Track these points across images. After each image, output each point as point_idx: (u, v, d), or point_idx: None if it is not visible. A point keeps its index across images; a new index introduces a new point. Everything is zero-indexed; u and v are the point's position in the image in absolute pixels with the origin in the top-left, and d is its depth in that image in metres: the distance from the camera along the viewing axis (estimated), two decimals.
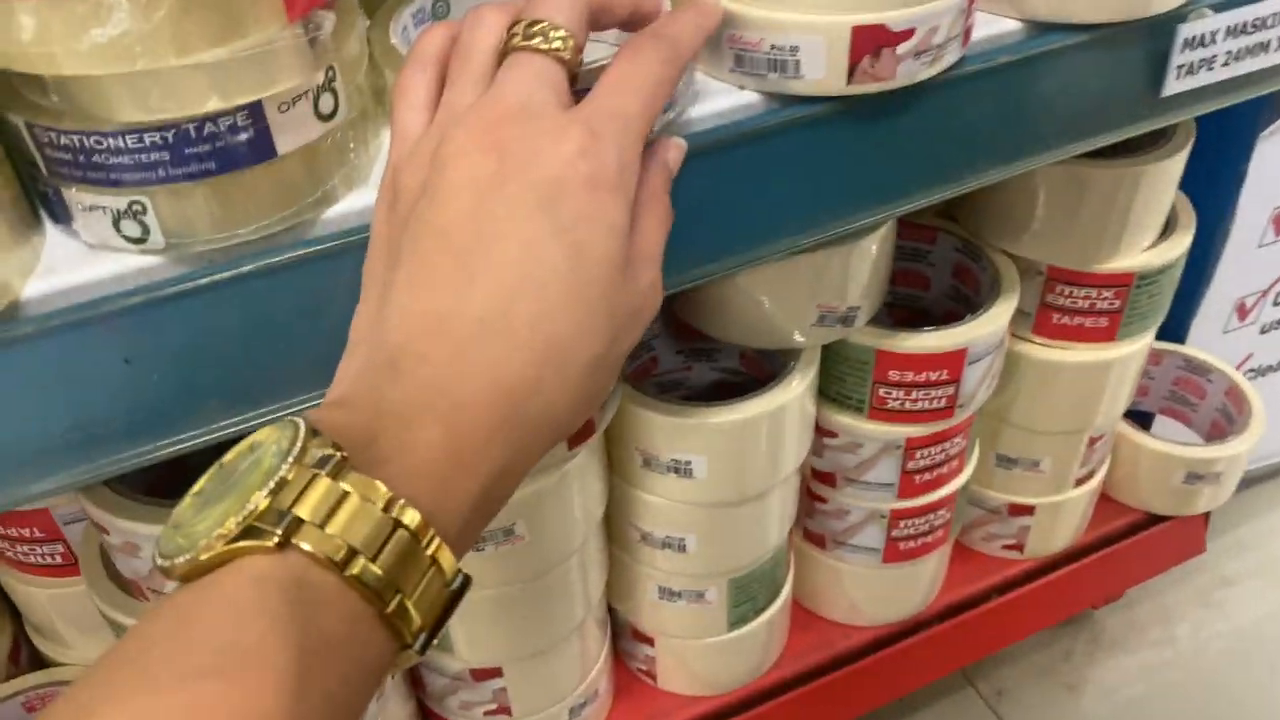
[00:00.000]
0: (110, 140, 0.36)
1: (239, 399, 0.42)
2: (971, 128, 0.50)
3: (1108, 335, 0.73)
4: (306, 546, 0.27)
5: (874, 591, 0.80)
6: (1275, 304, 1.01)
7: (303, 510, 0.28)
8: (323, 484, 0.28)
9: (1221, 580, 1.12)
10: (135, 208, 0.38)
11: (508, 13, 0.37)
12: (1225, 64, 0.55)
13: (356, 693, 0.29)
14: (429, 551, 0.30)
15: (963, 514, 0.80)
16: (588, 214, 0.34)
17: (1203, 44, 0.53)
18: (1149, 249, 0.71)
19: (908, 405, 0.67)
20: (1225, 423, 0.92)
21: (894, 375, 0.66)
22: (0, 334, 0.37)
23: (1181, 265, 0.73)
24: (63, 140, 0.37)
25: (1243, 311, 0.99)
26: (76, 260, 0.39)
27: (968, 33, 0.48)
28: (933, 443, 0.70)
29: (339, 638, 0.28)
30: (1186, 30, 0.52)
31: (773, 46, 0.44)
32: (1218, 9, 0.53)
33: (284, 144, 0.38)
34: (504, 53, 0.36)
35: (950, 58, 0.46)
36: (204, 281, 0.39)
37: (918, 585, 0.81)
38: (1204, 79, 0.55)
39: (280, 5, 0.36)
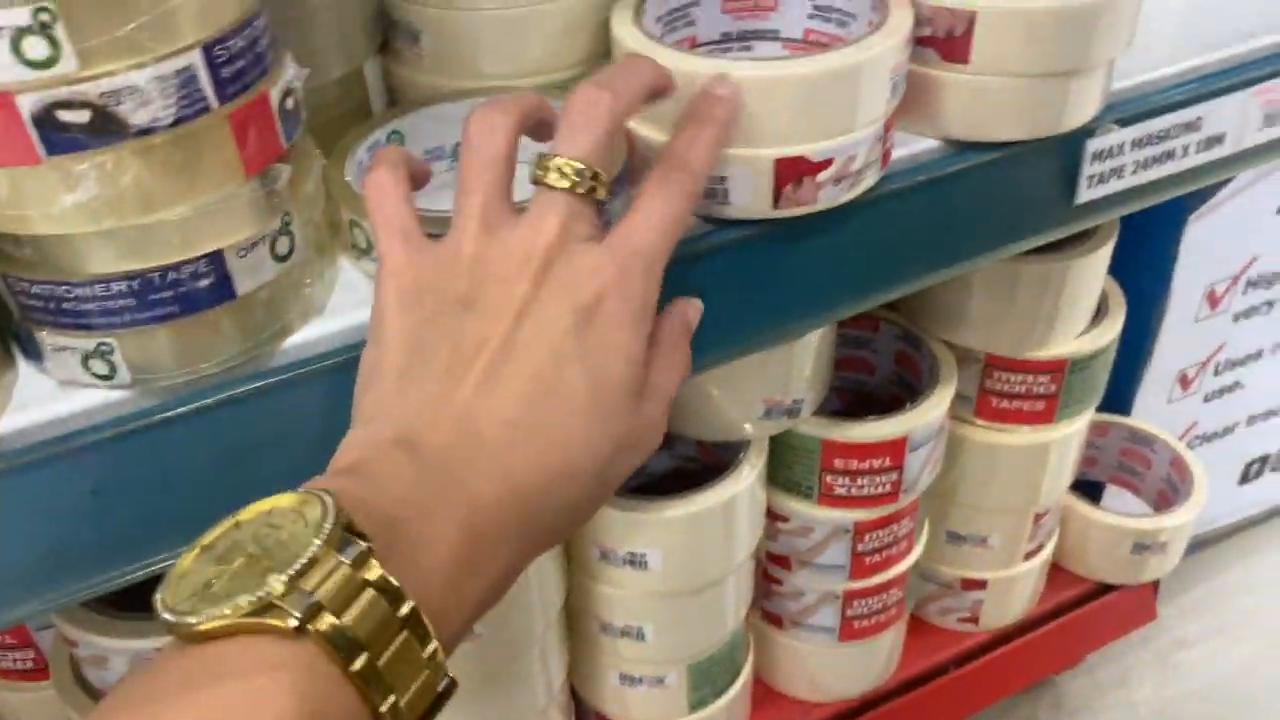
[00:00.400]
0: (79, 290, 0.39)
1: (205, 524, 0.44)
2: (895, 241, 0.53)
3: (1046, 417, 0.76)
4: (323, 638, 0.28)
5: (832, 669, 0.82)
6: (1215, 374, 1.04)
7: (323, 596, 0.28)
8: (344, 572, 0.29)
9: (1178, 643, 1.14)
10: (103, 348, 0.40)
11: (513, 116, 0.39)
12: (1134, 172, 0.58)
13: None
14: (428, 654, 0.30)
15: (915, 590, 0.82)
16: (612, 344, 0.37)
17: (1111, 155, 0.57)
18: (1081, 335, 0.74)
19: (854, 491, 0.70)
20: (1171, 492, 0.95)
21: (839, 463, 0.68)
22: None
23: (1113, 349, 0.76)
24: (35, 289, 0.39)
25: (1185, 382, 1.03)
26: (47, 396, 0.41)
27: (886, 155, 0.51)
28: (881, 526, 0.72)
29: None
30: (1094, 144, 0.56)
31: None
32: (1124, 123, 0.56)
33: (243, 286, 0.41)
34: (534, 180, 0.39)
35: (869, 180, 0.50)
36: (168, 415, 0.41)
37: (875, 661, 0.83)
38: (1115, 186, 0.58)
39: (238, 164, 0.38)
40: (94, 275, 0.39)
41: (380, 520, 0.31)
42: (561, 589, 0.66)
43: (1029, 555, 0.85)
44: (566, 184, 0.38)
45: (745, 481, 0.65)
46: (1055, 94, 0.53)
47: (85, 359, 0.41)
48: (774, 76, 0.44)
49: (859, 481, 0.69)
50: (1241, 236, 0.94)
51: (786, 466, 0.70)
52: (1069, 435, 0.77)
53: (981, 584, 0.86)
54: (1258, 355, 1.06)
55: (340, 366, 0.43)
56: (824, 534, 0.73)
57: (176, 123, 0.36)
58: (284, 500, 0.31)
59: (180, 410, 0.41)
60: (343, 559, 0.29)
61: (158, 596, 0.29)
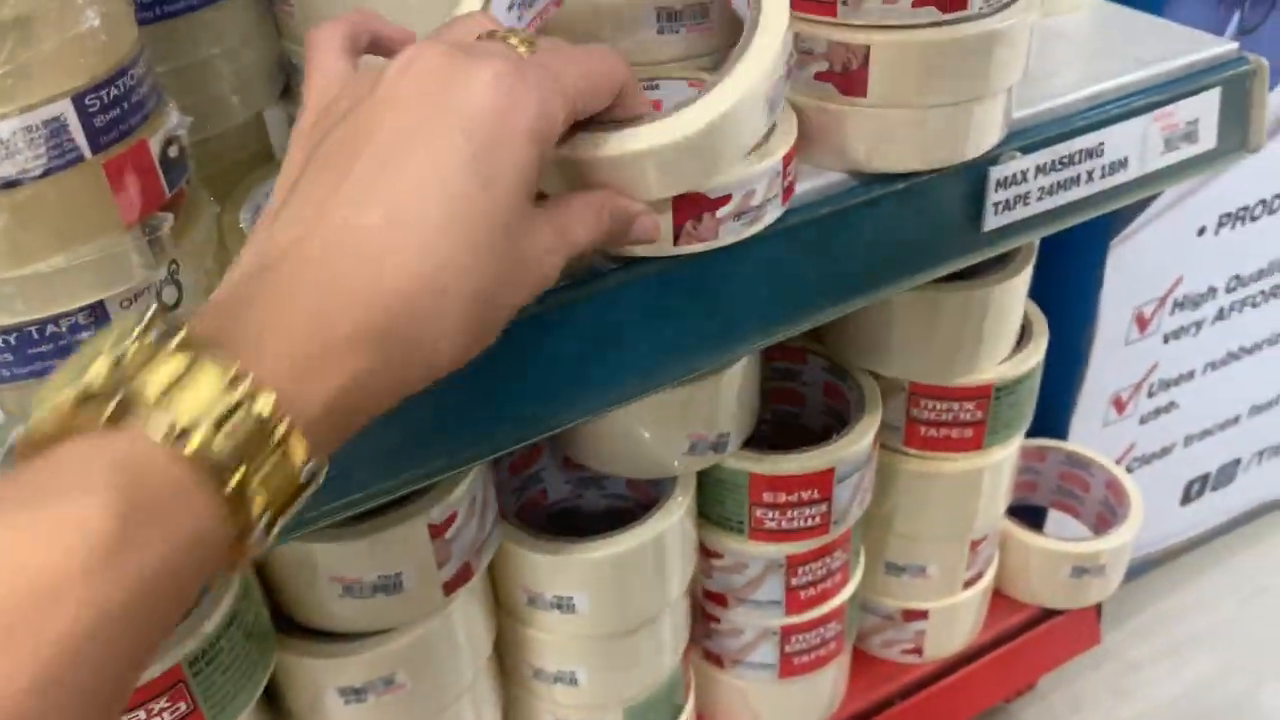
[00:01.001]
0: None
1: None
2: (803, 273, 0.53)
3: (975, 444, 0.76)
4: (140, 420, 0.27)
5: (776, 706, 0.81)
6: (1149, 395, 1.06)
7: (143, 384, 0.27)
8: (170, 359, 0.27)
9: (1129, 666, 1.14)
10: None
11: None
12: (1040, 198, 0.59)
13: (181, 572, 0.27)
14: (279, 434, 0.28)
15: (855, 623, 0.82)
16: (507, 159, 0.34)
17: (1015, 183, 0.58)
18: (1005, 361, 0.75)
19: (785, 525, 0.69)
20: (1109, 515, 0.95)
21: (768, 497, 0.68)
22: None
23: (1038, 374, 0.77)
24: None
25: (1119, 405, 1.04)
26: None
27: (789, 189, 0.51)
28: (814, 559, 0.72)
29: (166, 512, 0.27)
30: (997, 172, 0.57)
31: None
32: (1026, 150, 0.57)
33: None
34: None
35: (771, 215, 0.50)
36: None
37: (819, 696, 0.82)
38: (1022, 212, 0.59)
39: (117, 214, 0.38)
40: None
41: (221, 321, 0.30)
42: (490, 634, 0.65)
43: (969, 583, 0.85)
44: (501, 36, 0.37)
45: (672, 518, 0.64)
46: (955, 123, 0.53)
47: None
48: (639, 150, 0.41)
49: (789, 514, 0.69)
50: (1165, 258, 0.95)
51: (717, 502, 0.70)
52: (1000, 461, 0.78)
53: (923, 614, 0.85)
54: (1190, 375, 1.07)
55: None
56: (758, 569, 0.72)
57: (47, 173, 0.36)
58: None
59: None
60: (166, 344, 0.28)
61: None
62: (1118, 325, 0.97)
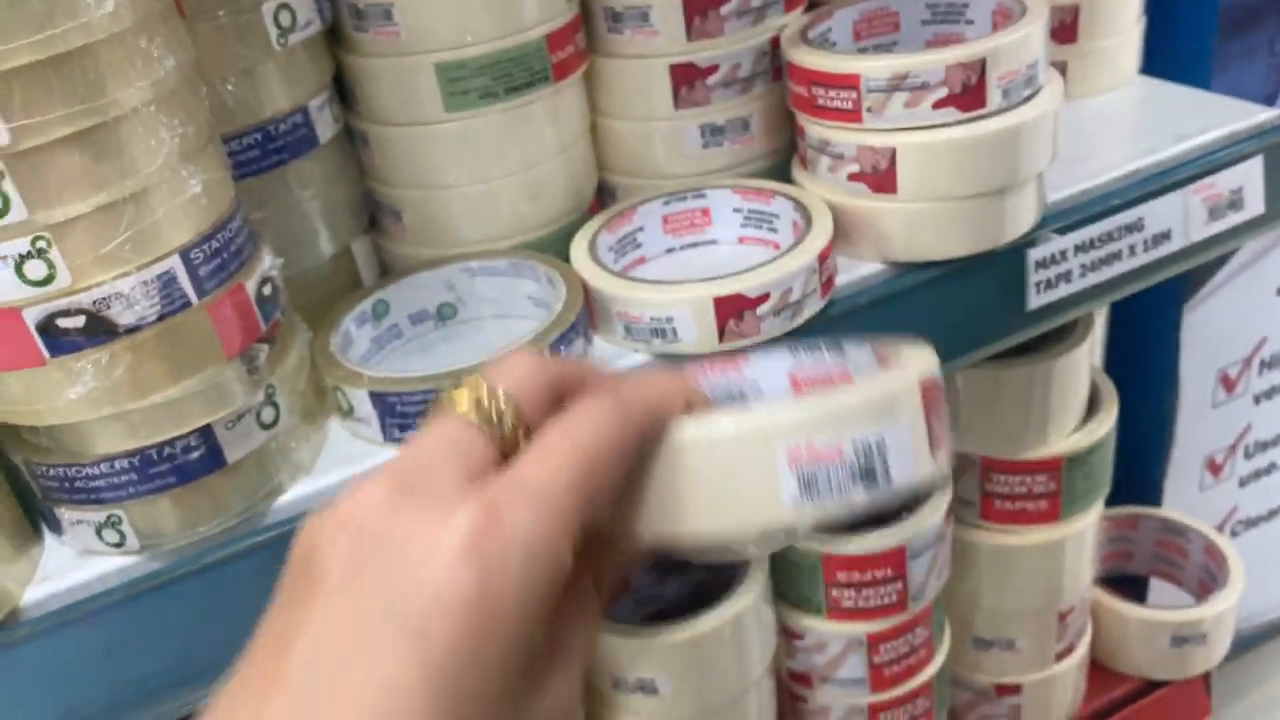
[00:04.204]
0: (88, 469, 0.44)
1: (209, 674, 0.48)
2: None
3: (1051, 516, 0.77)
4: None
5: None
6: (1247, 458, 1.04)
7: None
8: None
9: None
10: (113, 519, 0.45)
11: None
12: (1082, 275, 0.61)
13: None
14: None
15: (944, 699, 0.82)
16: (475, 641, 0.25)
17: (1055, 262, 0.60)
18: (1075, 432, 0.76)
19: (861, 603, 0.71)
20: (1210, 581, 0.93)
21: (842, 576, 0.70)
22: (3, 637, 0.44)
23: (1110, 443, 0.77)
24: (51, 471, 0.45)
25: (1215, 468, 1.02)
26: (68, 566, 0.46)
27: (829, 283, 0.55)
28: (895, 636, 0.73)
29: None
30: (1036, 254, 0.59)
31: (652, 318, 0.52)
32: (1063, 231, 0.60)
33: (232, 454, 0.46)
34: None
35: (811, 309, 0.53)
36: (174, 575, 0.46)
37: None
38: (1065, 290, 0.61)
39: (219, 348, 0.44)
40: (99, 455, 0.44)
41: None
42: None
43: (1061, 656, 0.85)
44: (468, 409, 0.28)
45: (745, 600, 0.67)
46: (987, 211, 0.56)
47: (99, 530, 0.45)
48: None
49: (864, 593, 0.71)
50: (1246, 319, 0.95)
51: (793, 583, 0.72)
52: (1080, 531, 0.78)
53: (1016, 689, 0.85)
54: None
55: None
56: (839, 648, 0.74)
57: (161, 318, 0.41)
58: None
59: (185, 570, 0.46)
60: None
61: None
62: (1202, 388, 0.96)
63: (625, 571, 0.32)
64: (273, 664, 0.25)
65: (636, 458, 0.29)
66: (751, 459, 0.30)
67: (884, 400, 0.31)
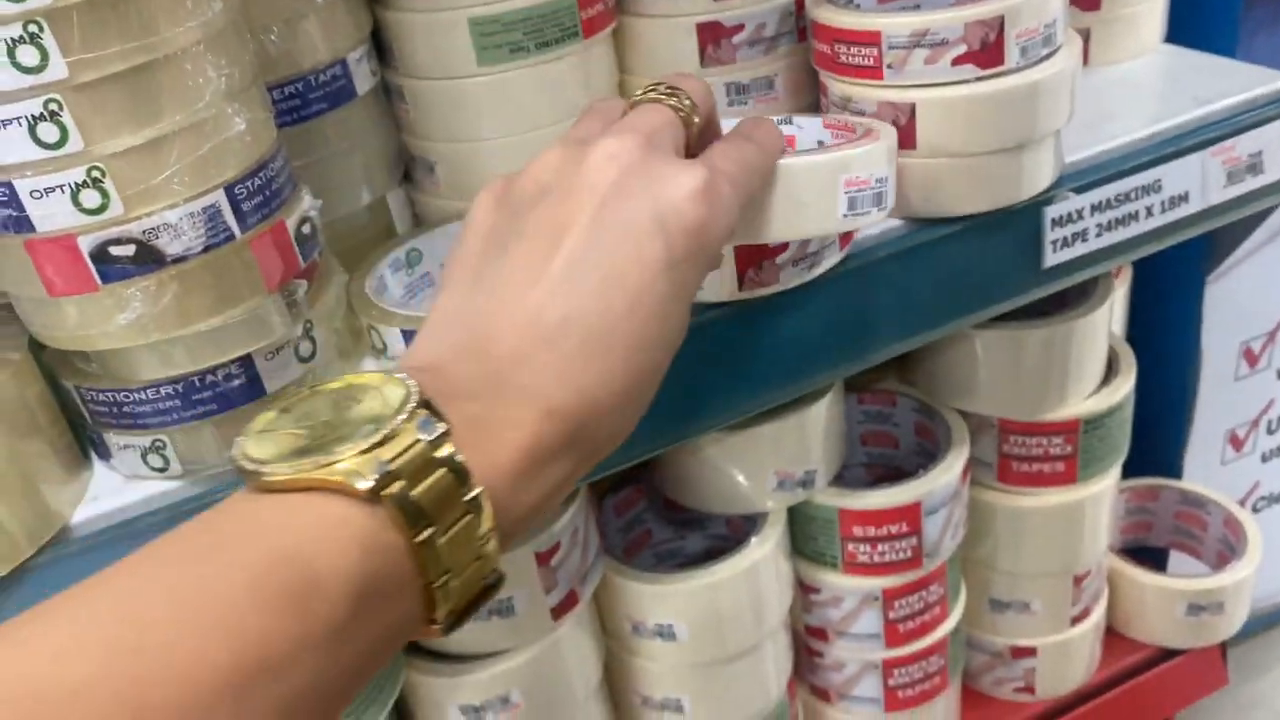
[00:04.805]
0: (135, 394, 0.46)
1: None
2: (864, 312, 0.58)
3: (1068, 478, 0.78)
4: (394, 505, 0.29)
5: None
6: (1270, 433, 1.04)
7: (398, 467, 0.29)
8: (420, 448, 0.29)
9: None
10: (157, 444, 0.48)
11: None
12: (1099, 235, 0.62)
13: (382, 655, 0.30)
14: (485, 545, 0.31)
15: (960, 659, 0.83)
16: (692, 256, 0.36)
17: (1072, 221, 0.61)
18: (1092, 395, 0.77)
19: (877, 558, 0.73)
20: (1228, 553, 0.94)
21: (858, 531, 0.72)
22: (54, 553, 0.46)
23: (1128, 407, 0.78)
24: (100, 397, 0.47)
25: (1236, 442, 1.02)
26: (116, 489, 0.49)
27: (847, 236, 0.56)
28: (910, 591, 0.75)
29: (386, 600, 0.29)
30: (1053, 212, 0.60)
31: None
32: (1080, 190, 0.61)
33: (271, 384, 0.48)
34: (634, 103, 0.41)
35: (829, 261, 0.55)
36: (215, 499, 0.48)
37: None
38: (1081, 249, 0.62)
39: (260, 281, 0.46)
40: (145, 382, 0.46)
41: (454, 411, 0.31)
42: (598, 660, 0.70)
43: (1076, 620, 0.86)
44: (654, 95, 0.40)
45: (762, 550, 0.68)
46: (1004, 169, 0.57)
47: (144, 454, 0.48)
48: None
49: (879, 548, 0.72)
50: (1270, 293, 0.95)
51: (811, 537, 0.74)
52: (1096, 494, 0.79)
53: (1031, 651, 0.86)
54: None
55: None
56: (854, 603, 0.75)
57: (206, 250, 0.44)
58: (364, 378, 0.32)
59: (224, 495, 0.48)
60: (421, 436, 0.30)
61: (236, 446, 0.31)
62: (1225, 361, 0.96)
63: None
64: (546, 248, 0.35)
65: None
66: (824, 183, 0.45)
67: (890, 150, 0.49)
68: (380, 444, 0.29)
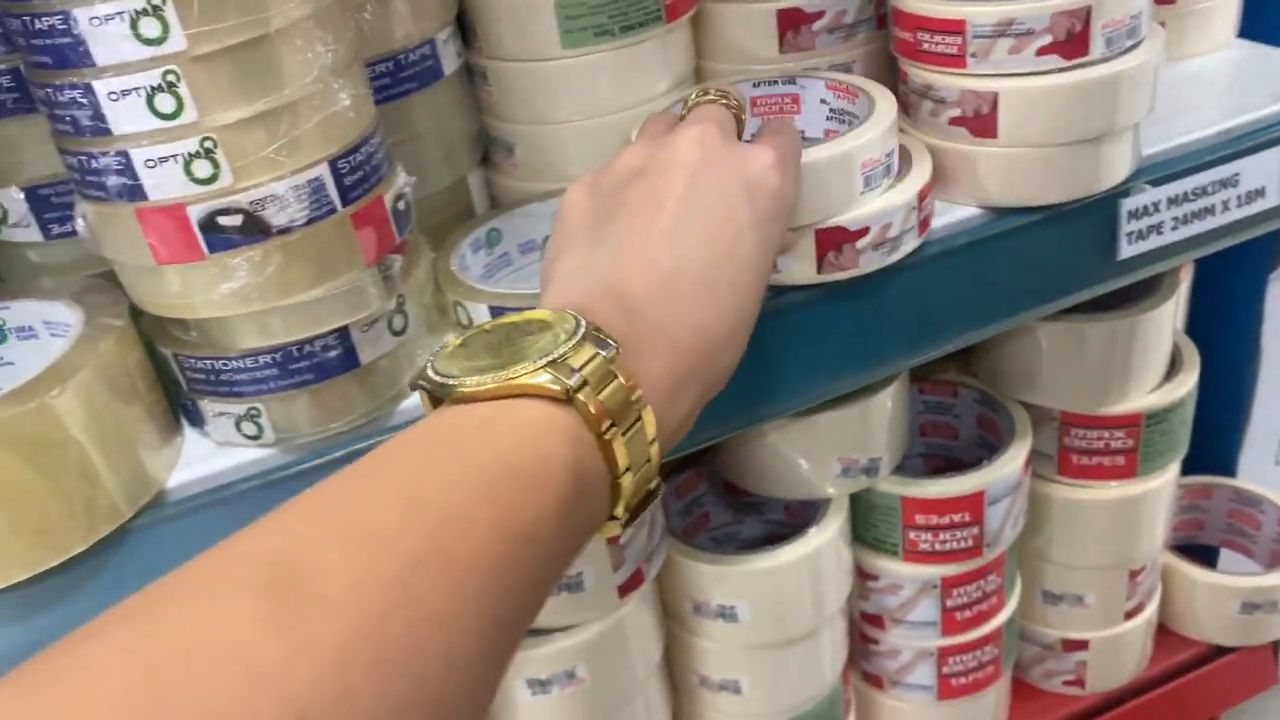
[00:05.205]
0: (234, 363, 0.47)
1: None
2: (940, 299, 0.58)
3: (1128, 472, 0.78)
4: (587, 405, 0.33)
5: None
6: None
7: (585, 376, 0.33)
8: (600, 360, 0.34)
9: None
10: (252, 412, 0.49)
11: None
12: (1174, 228, 0.62)
13: (579, 546, 0.34)
14: (651, 448, 0.36)
15: (1013, 649, 0.84)
16: (774, 217, 0.42)
17: (1148, 213, 0.61)
18: (1155, 390, 0.77)
19: (938, 547, 0.73)
20: None
21: (920, 519, 0.72)
22: (151, 516, 0.48)
23: (1191, 403, 0.78)
24: (198, 364, 0.48)
25: None
26: (208, 456, 0.50)
27: (925, 222, 0.57)
28: (968, 581, 0.75)
29: (587, 490, 0.33)
30: (1129, 204, 0.60)
31: None
32: (1156, 183, 0.61)
33: (365, 356, 0.49)
34: (691, 105, 0.48)
35: (908, 246, 0.55)
36: (305, 467, 0.49)
37: None
38: (1156, 242, 0.62)
39: (359, 255, 0.47)
40: (244, 350, 0.47)
41: (600, 324, 0.36)
42: (659, 639, 0.71)
43: (1130, 614, 0.86)
44: (717, 99, 0.46)
45: (825, 535, 0.69)
46: (1083, 160, 0.58)
47: (238, 422, 0.49)
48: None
49: (941, 537, 0.73)
50: None
51: (872, 525, 0.74)
52: (1155, 489, 0.79)
53: (1083, 644, 0.86)
54: None
55: None
56: (912, 591, 0.76)
57: (309, 222, 0.45)
58: (532, 314, 0.37)
59: (315, 463, 0.49)
60: (599, 351, 0.34)
61: (426, 367, 0.35)
62: None
63: None
64: (651, 213, 0.40)
65: None
66: (844, 169, 0.51)
67: (894, 127, 0.54)
68: (566, 356, 0.34)
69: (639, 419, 0.35)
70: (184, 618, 0.26)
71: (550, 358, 0.33)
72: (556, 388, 0.33)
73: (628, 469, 0.34)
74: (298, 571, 0.26)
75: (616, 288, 0.38)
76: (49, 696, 0.23)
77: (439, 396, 0.35)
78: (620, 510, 0.35)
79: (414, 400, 0.51)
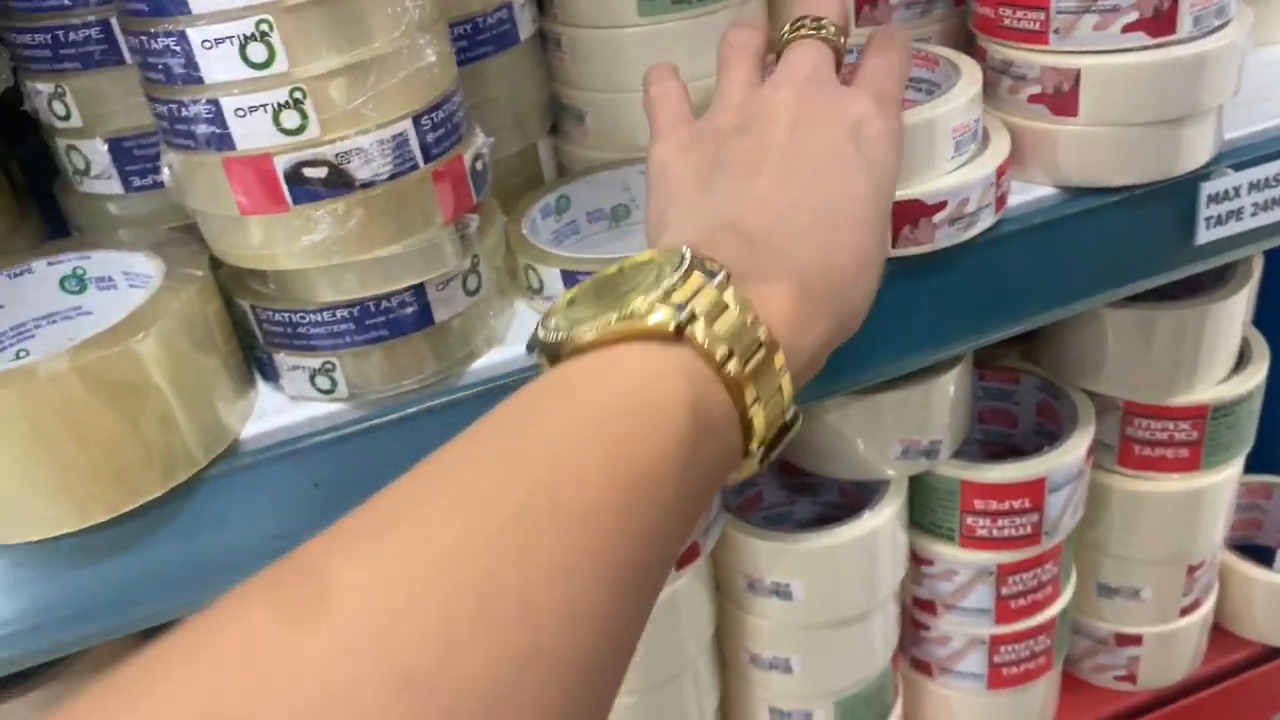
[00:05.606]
0: (311, 316, 0.48)
1: None
2: (1014, 278, 0.57)
3: (1191, 465, 0.77)
4: (700, 339, 0.32)
5: (983, 718, 0.83)
6: None
7: (694, 309, 0.32)
8: (710, 290, 0.33)
9: None
10: (327, 366, 0.49)
11: (762, 31, 0.49)
12: (1254, 214, 0.61)
13: (711, 487, 0.33)
14: (781, 377, 0.34)
15: (1065, 641, 0.83)
16: (882, 159, 0.41)
17: (1228, 198, 0.60)
18: (1223, 382, 0.75)
19: (995, 533, 0.72)
20: None
21: (979, 504, 0.71)
22: (225, 465, 0.48)
23: (1258, 397, 0.77)
24: (276, 317, 0.49)
25: None
26: (281, 409, 0.50)
27: (1002, 199, 0.56)
28: (1024, 569, 0.74)
29: (711, 427, 0.32)
30: (1209, 188, 0.59)
31: None
32: (1239, 168, 0.60)
33: (440, 315, 0.49)
34: (787, 41, 0.46)
35: (984, 223, 0.55)
36: (377, 422, 0.50)
37: (1027, 713, 0.83)
38: (1235, 228, 0.61)
39: (438, 212, 0.47)
40: (322, 304, 0.48)
41: (720, 260, 0.35)
42: (711, 618, 0.71)
43: (1186, 611, 0.85)
44: (815, 32, 0.45)
45: (882, 518, 0.68)
46: (1164, 141, 0.57)
47: (312, 376, 0.49)
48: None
49: (999, 523, 0.72)
50: None
51: (929, 509, 0.74)
52: (1218, 484, 0.78)
53: (1137, 639, 0.85)
54: None
55: (517, 386, 0.50)
56: (967, 577, 0.75)
57: (392, 178, 0.45)
58: (638, 255, 0.36)
59: (387, 419, 0.50)
60: (709, 280, 0.33)
61: (538, 327, 0.34)
62: None
63: None
64: (753, 151, 0.40)
65: None
66: (937, 134, 0.51)
67: (980, 94, 0.53)
68: (671, 291, 0.32)
69: (761, 347, 0.33)
70: (279, 585, 0.26)
71: (653, 295, 0.32)
72: (666, 325, 0.32)
73: (755, 400, 0.33)
74: (397, 534, 0.27)
75: (733, 223, 0.38)
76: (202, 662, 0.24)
77: (554, 356, 0.34)
78: (755, 446, 0.34)
79: (486, 360, 0.51)
